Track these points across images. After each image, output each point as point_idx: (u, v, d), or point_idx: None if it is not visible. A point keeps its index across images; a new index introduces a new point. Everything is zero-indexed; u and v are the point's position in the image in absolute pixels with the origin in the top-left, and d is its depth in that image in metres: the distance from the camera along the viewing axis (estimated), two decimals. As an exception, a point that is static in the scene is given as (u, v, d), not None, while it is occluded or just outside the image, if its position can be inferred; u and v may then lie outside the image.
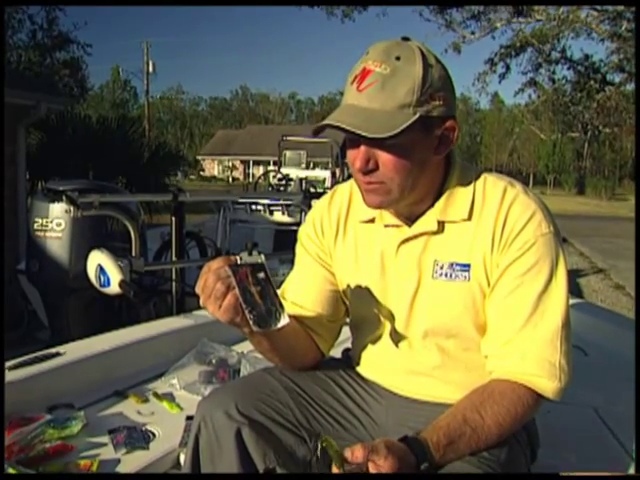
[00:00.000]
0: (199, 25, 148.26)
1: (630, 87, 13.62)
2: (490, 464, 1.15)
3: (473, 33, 14.50)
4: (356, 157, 1.18)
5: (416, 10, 14.60)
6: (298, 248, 1.48)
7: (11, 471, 1.36)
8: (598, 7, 12.35)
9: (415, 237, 1.27)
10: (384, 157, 1.16)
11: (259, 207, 5.91)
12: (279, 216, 5.90)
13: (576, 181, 55.53)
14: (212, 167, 56.40)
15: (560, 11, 12.62)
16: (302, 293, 1.43)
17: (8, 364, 1.76)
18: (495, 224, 1.20)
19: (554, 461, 1.49)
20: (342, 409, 1.40)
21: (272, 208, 5.89)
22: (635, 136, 13.48)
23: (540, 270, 1.18)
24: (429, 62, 1.15)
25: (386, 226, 1.31)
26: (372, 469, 1.03)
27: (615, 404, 1.90)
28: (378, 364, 1.41)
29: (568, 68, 14.81)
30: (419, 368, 1.32)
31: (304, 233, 1.47)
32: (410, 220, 1.28)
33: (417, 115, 1.13)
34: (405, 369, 1.34)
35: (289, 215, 5.84)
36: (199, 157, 55.96)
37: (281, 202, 5.83)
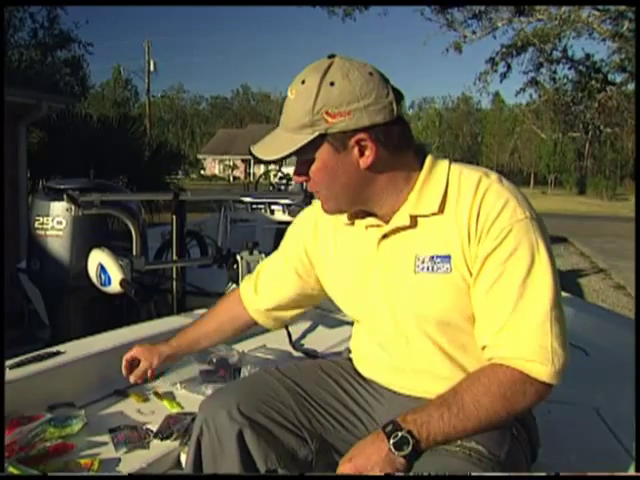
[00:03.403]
0: (200, 24, 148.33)
1: (631, 87, 13.61)
2: (490, 463, 1.15)
3: (474, 32, 14.48)
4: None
5: (417, 9, 14.59)
6: (289, 237, 1.59)
7: (12, 470, 1.36)
8: (600, 7, 12.34)
9: (393, 232, 1.30)
10: (307, 172, 1.27)
11: (260, 206, 5.90)
12: (280, 215, 5.89)
13: (577, 181, 55.49)
14: (213, 166, 56.40)
15: (562, 11, 12.60)
16: (271, 281, 1.61)
17: (8, 363, 1.76)
18: (470, 215, 1.21)
19: (555, 461, 1.49)
20: (344, 409, 1.40)
21: (273, 207, 5.88)
22: (635, 136, 13.47)
23: (521, 256, 1.19)
24: (330, 80, 1.19)
25: (367, 227, 1.35)
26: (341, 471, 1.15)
27: (616, 404, 1.90)
28: (377, 363, 1.41)
29: (569, 68, 14.79)
30: (418, 365, 1.32)
31: (300, 229, 1.55)
32: (387, 217, 1.31)
33: (315, 134, 1.20)
34: (404, 367, 1.35)
35: (290, 214, 5.82)
36: (200, 156, 55.95)
37: (282, 201, 5.82)
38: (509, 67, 14.85)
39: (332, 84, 1.19)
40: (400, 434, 1.13)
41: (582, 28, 13.17)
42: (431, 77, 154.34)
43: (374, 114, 1.20)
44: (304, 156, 1.25)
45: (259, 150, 1.28)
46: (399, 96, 1.25)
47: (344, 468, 1.15)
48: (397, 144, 1.25)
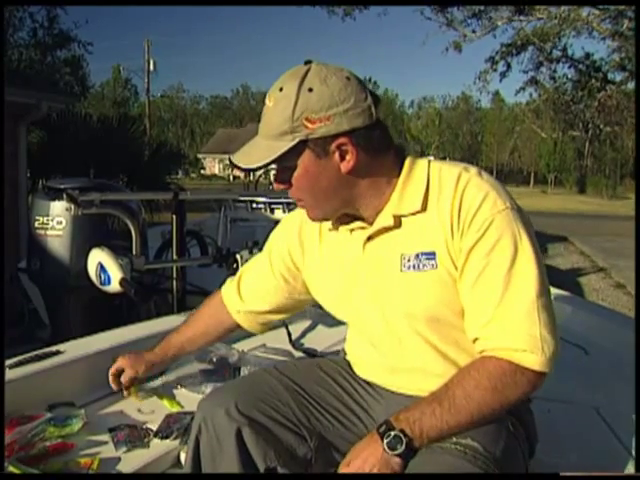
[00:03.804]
0: (200, 23, 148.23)
1: (631, 86, 13.61)
2: (486, 460, 1.15)
3: (474, 32, 14.50)
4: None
5: (417, 9, 14.61)
6: (273, 241, 1.58)
7: (12, 469, 1.36)
8: (599, 6, 12.34)
9: (377, 234, 1.30)
10: (289, 179, 1.27)
11: (260, 205, 5.91)
12: (280, 214, 5.90)
13: (577, 180, 55.41)
14: (213, 165, 56.42)
15: (561, 10, 12.60)
16: (256, 285, 1.61)
17: (8, 362, 1.76)
18: (451, 209, 1.22)
19: (555, 460, 1.49)
20: (342, 408, 1.40)
21: (273, 206, 5.89)
22: (635, 135, 13.47)
23: (504, 246, 1.19)
24: (309, 86, 1.20)
25: (351, 230, 1.35)
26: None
27: (616, 403, 1.89)
28: (372, 365, 1.42)
29: (569, 67, 14.83)
30: (412, 364, 1.33)
31: (284, 233, 1.55)
32: (371, 219, 1.32)
33: (296, 140, 1.20)
34: (398, 367, 1.35)
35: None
36: (200, 155, 55.97)
37: (282, 200, 5.83)
38: (509, 66, 14.88)
39: (310, 90, 1.19)
40: (393, 433, 1.14)
41: (582, 27, 13.18)
42: (431, 76, 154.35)
43: (354, 118, 1.21)
44: (285, 163, 1.24)
45: (240, 159, 1.27)
46: (376, 99, 1.25)
47: (342, 470, 1.17)
48: (377, 147, 1.26)
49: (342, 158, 1.23)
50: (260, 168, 1.25)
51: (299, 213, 1.47)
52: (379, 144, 1.26)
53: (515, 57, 14.73)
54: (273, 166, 1.28)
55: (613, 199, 40.92)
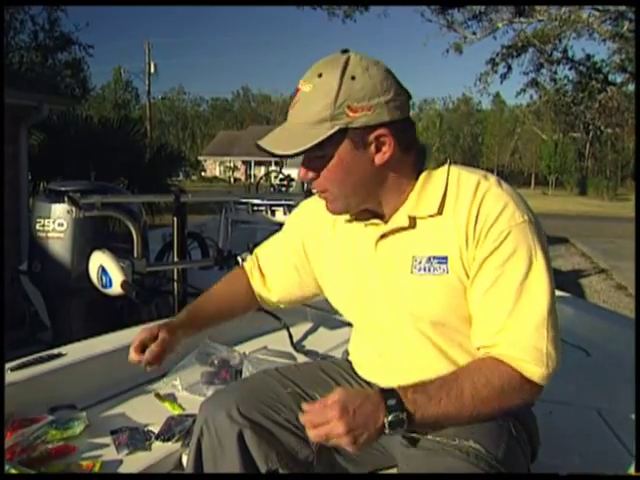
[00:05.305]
0: (200, 25, 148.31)
1: (632, 87, 13.61)
2: (488, 462, 1.15)
3: (474, 33, 14.50)
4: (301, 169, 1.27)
5: (417, 10, 14.61)
6: (288, 232, 1.57)
7: (13, 472, 1.36)
8: (600, 7, 12.34)
9: (391, 233, 1.29)
10: (319, 168, 1.23)
11: (261, 208, 5.90)
12: (281, 216, 5.89)
13: (578, 181, 55.35)
14: (214, 168, 56.46)
15: (562, 11, 12.60)
16: (280, 279, 1.58)
17: (10, 365, 1.76)
18: (468, 218, 1.21)
19: (556, 461, 1.49)
20: (344, 410, 1.40)
21: (274, 208, 5.88)
22: (636, 136, 13.47)
23: (518, 259, 1.19)
24: (351, 74, 1.18)
25: (366, 225, 1.34)
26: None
27: (618, 405, 1.89)
28: (375, 365, 1.42)
29: (570, 68, 14.80)
30: (416, 365, 1.32)
31: (299, 223, 1.53)
32: (387, 217, 1.31)
33: (336, 128, 1.18)
34: (402, 367, 1.34)
35: (291, 216, 5.80)
36: (201, 158, 55.98)
37: (283, 202, 5.83)
38: (509, 68, 14.87)
39: (353, 78, 1.18)
40: (401, 416, 1.09)
41: (582, 29, 13.17)
42: (431, 78, 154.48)
43: (394, 110, 1.20)
44: (317, 152, 1.21)
45: (273, 145, 1.23)
46: (409, 95, 1.25)
47: (339, 419, 1.07)
48: (409, 142, 1.26)
49: (378, 150, 1.22)
50: (297, 154, 1.21)
51: (315, 203, 1.45)
52: (410, 140, 1.26)
53: (516, 59, 14.72)
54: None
55: (614, 201, 40.88)
